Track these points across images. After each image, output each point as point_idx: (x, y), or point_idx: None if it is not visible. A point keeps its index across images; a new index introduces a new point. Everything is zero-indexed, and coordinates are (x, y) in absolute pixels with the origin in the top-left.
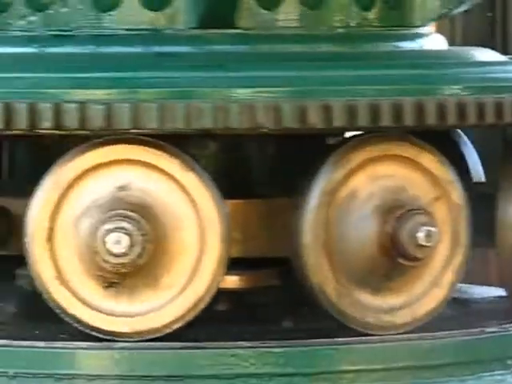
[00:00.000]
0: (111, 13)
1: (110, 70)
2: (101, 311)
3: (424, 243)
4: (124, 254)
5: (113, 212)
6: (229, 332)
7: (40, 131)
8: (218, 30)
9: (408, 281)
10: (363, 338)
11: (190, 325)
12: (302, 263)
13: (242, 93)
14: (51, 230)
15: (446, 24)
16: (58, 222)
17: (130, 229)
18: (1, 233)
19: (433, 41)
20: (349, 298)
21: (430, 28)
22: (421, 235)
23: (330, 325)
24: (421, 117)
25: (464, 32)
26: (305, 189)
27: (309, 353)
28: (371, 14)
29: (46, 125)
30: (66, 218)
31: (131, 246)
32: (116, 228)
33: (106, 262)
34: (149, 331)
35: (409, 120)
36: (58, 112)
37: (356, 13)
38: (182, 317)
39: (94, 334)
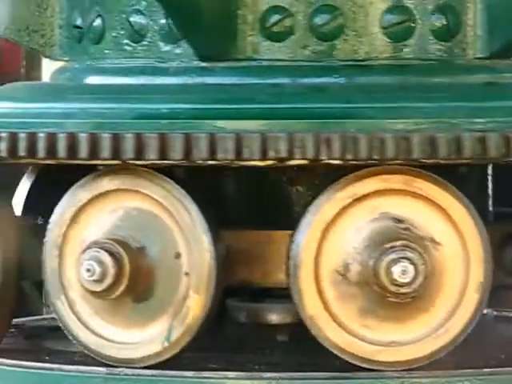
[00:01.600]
0: (405, 43)
1: (416, 100)
2: (371, 343)
3: None
4: (408, 284)
5: (396, 242)
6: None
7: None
8: (502, 60)
9: None
10: (499, 369)
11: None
12: None
13: None
14: (317, 264)
15: None
16: (323, 256)
17: (415, 259)
18: None
19: None
20: None
21: None
22: None
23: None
24: None
25: None
26: None
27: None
28: None
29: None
30: (334, 250)
31: (415, 275)
32: (401, 258)
33: (389, 291)
34: (414, 360)
35: None
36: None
37: None
38: (445, 347)
39: (364, 366)
